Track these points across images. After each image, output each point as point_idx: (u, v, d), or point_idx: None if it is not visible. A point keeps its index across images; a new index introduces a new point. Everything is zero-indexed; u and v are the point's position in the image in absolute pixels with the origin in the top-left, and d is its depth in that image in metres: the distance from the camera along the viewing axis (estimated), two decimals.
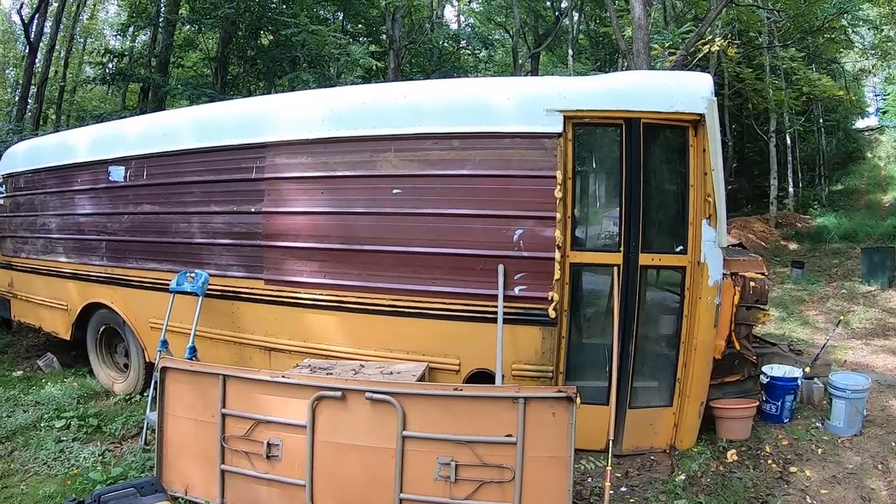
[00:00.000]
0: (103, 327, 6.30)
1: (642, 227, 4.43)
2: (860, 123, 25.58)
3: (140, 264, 5.73)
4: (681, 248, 4.54)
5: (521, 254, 4.35)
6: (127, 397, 5.96)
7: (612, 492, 3.71)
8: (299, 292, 4.84)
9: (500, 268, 4.34)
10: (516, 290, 4.36)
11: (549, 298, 4.33)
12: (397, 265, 4.54)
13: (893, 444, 4.84)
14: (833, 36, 13.60)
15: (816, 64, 17.43)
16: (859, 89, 24.82)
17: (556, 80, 4.89)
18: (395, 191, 4.54)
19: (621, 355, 4.28)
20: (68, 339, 6.56)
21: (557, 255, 4.31)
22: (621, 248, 4.44)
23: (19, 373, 6.79)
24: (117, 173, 5.84)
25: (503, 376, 4.41)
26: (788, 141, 20.00)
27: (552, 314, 4.34)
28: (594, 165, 4.87)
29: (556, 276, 4.32)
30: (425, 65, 19.09)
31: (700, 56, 11.96)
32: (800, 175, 21.21)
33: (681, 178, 4.54)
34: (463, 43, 19.70)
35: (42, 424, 5.19)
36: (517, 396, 3.23)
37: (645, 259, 4.46)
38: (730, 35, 12.19)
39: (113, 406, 5.78)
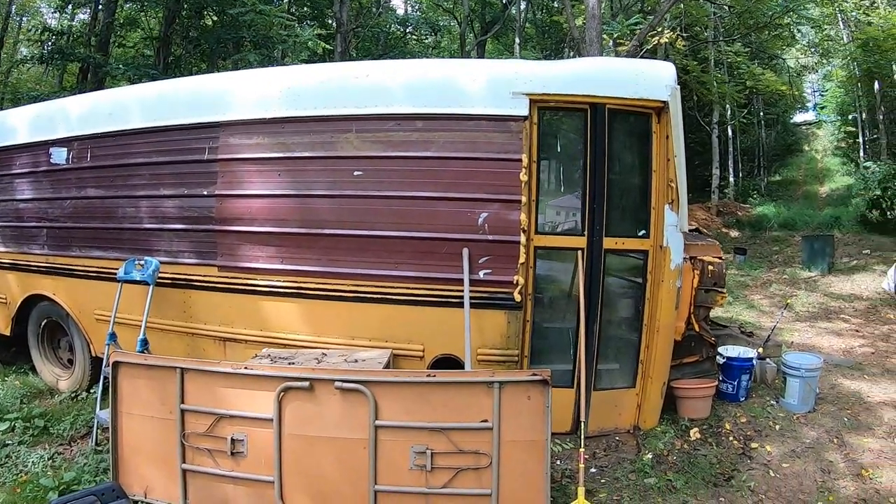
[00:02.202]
0: (45, 321, 5.94)
1: (606, 212, 4.45)
2: (798, 118, 26.65)
3: (84, 252, 5.39)
4: (643, 232, 4.61)
5: (486, 237, 4.30)
6: (73, 395, 5.62)
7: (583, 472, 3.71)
8: (255, 279, 4.65)
9: (465, 251, 4.28)
10: (481, 274, 4.31)
11: (515, 282, 4.31)
12: (359, 249, 4.42)
13: (846, 419, 5.08)
14: (778, 32, 14.07)
15: (759, 59, 18.03)
16: (800, 85, 25.92)
17: (522, 63, 4.84)
18: (356, 173, 4.40)
19: (587, 338, 4.30)
20: (7, 334, 6.16)
21: (523, 238, 4.29)
22: (585, 232, 4.47)
23: None
24: (59, 155, 5.48)
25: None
26: (730, 132, 20.67)
27: (517, 298, 4.31)
28: (559, 150, 4.86)
29: (522, 259, 4.30)
30: (372, 49, 18.83)
31: (648, 48, 12.16)
32: (740, 165, 21.95)
33: (644, 164, 4.61)
34: (411, 28, 19.46)
35: None
36: (492, 381, 3.18)
37: (608, 243, 4.49)
38: (678, 28, 12.41)
39: (59, 405, 5.45)
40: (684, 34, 12.41)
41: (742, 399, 5.38)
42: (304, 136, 4.49)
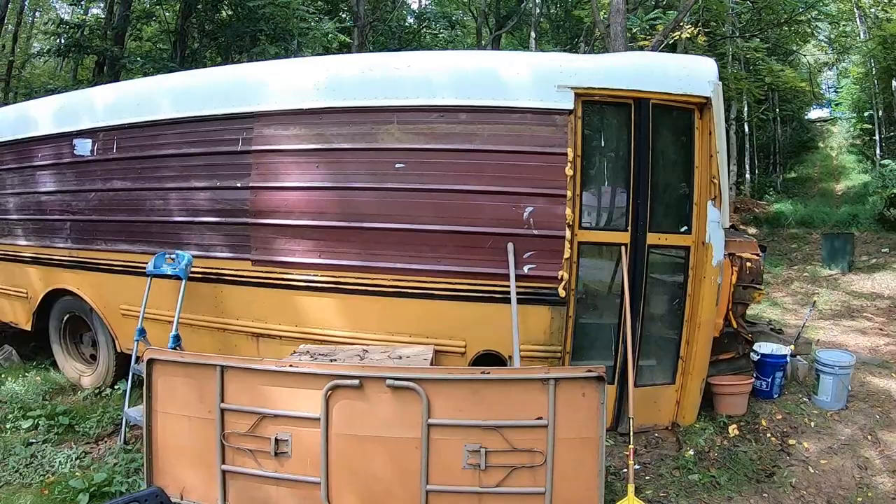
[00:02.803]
0: (67, 316, 5.84)
1: (649, 207, 4.40)
2: (812, 114, 26.43)
3: (110, 246, 5.28)
4: (685, 228, 4.56)
5: (532, 232, 4.21)
6: (97, 391, 5.52)
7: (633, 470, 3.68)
8: (292, 273, 4.55)
9: (510, 246, 4.19)
10: (525, 269, 4.22)
11: (559, 277, 4.23)
12: (400, 243, 4.32)
13: (878, 416, 5.06)
14: (797, 28, 13.93)
15: (776, 55, 17.84)
16: (818, 82, 25.79)
17: (566, 56, 4.75)
18: (398, 165, 4.31)
19: (634, 334, 4.23)
20: (29, 329, 6.07)
21: (568, 233, 4.21)
22: (629, 228, 4.41)
23: None
24: (83, 147, 5.37)
25: (510, 358, 4.30)
26: (746, 129, 20.52)
27: (562, 293, 4.24)
28: (602, 144, 4.76)
29: (566, 254, 4.22)
30: (388, 44, 18.68)
31: (668, 43, 12.04)
32: (756, 162, 21.78)
33: (686, 160, 4.56)
34: (428, 22, 19.33)
35: (7, 426, 4.73)
36: (548, 378, 3.08)
37: (652, 239, 4.45)
38: (698, 23, 12.28)
39: (82, 401, 5.35)
40: (705, 30, 12.23)
41: (776, 396, 5.34)
42: (343, 127, 4.39)
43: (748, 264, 5.28)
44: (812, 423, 4.91)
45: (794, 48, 18.84)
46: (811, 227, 16.50)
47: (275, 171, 4.58)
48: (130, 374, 4.70)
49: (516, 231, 4.21)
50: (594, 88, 4.26)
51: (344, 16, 15.62)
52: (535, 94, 4.22)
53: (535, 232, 4.21)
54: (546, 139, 4.20)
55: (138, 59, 11.17)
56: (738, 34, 15.00)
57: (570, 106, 4.20)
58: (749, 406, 5.09)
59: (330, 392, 3.18)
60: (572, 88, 4.21)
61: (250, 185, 4.62)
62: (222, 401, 3.37)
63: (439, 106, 4.26)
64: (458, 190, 4.24)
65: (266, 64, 5.23)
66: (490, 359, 4.33)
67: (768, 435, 4.71)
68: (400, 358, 3.82)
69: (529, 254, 4.22)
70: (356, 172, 4.40)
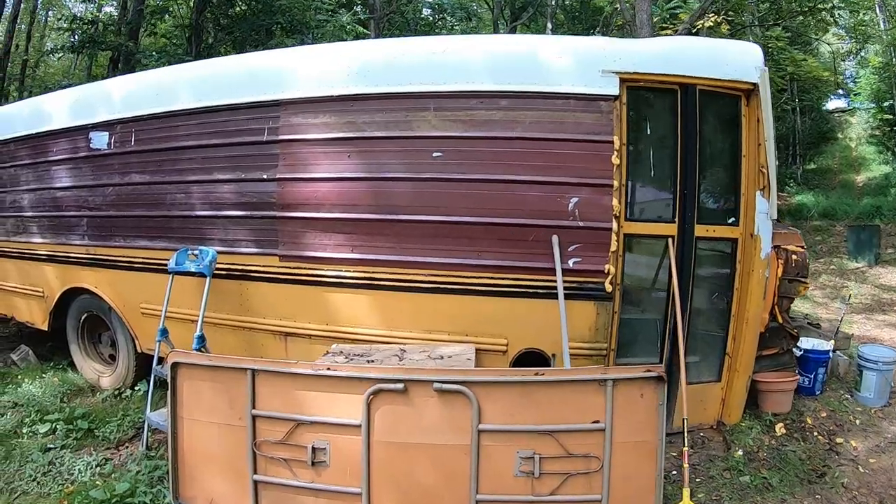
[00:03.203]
0: (85, 315, 5.66)
1: (697, 198, 4.21)
2: (830, 105, 26.04)
3: (129, 242, 5.09)
4: (732, 219, 4.38)
5: (577, 223, 3.99)
6: (116, 393, 5.34)
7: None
8: (322, 269, 4.34)
9: (555, 238, 3.97)
10: (570, 263, 4.01)
11: (605, 271, 4.01)
12: (437, 236, 4.10)
13: None
14: (821, 17, 13.62)
15: (796, 45, 17.48)
16: (840, 71, 25.39)
17: (609, 40, 4.53)
18: (435, 154, 4.08)
19: (678, 330, 4.02)
20: (45, 329, 5.90)
21: (615, 225, 3.99)
22: (676, 219, 4.22)
23: None
24: (100, 140, 5.18)
25: (553, 356, 4.10)
26: None
27: (608, 288, 4.02)
28: (648, 132, 4.54)
29: (613, 247, 4.01)
30: (404, 36, 18.44)
31: (692, 31, 11.81)
32: (776, 153, 21.39)
33: (733, 149, 4.37)
34: (445, 14, 19.10)
35: (24, 430, 4.54)
36: (605, 378, 2.88)
37: (700, 230, 4.25)
38: (722, 12, 12.01)
39: (101, 404, 5.18)
40: (728, 18, 11.96)
41: (818, 393, 5.23)
42: (375, 115, 4.16)
43: (794, 257, 5.12)
44: (857, 421, 4.82)
45: (815, 37, 18.45)
46: (834, 220, 16.20)
47: (303, 161, 4.36)
48: (152, 376, 4.52)
49: (561, 223, 4.00)
50: (639, 73, 4.04)
51: (359, 8, 15.43)
52: (578, 79, 3.99)
53: (581, 224, 3.99)
54: (591, 126, 3.98)
55: (153, 54, 11.01)
56: (760, 23, 14.69)
57: (616, 91, 3.98)
58: (793, 403, 4.95)
59: (372, 397, 2.97)
60: (617, 73, 3.99)
61: (277, 176, 4.41)
62: (253, 407, 3.16)
63: (478, 92, 4.03)
64: (499, 180, 4.02)
65: (292, 50, 5.03)
66: (532, 357, 4.13)
67: (815, 433, 4.60)
68: (441, 358, 3.61)
69: (574, 247, 4.01)
70: (390, 162, 4.17)
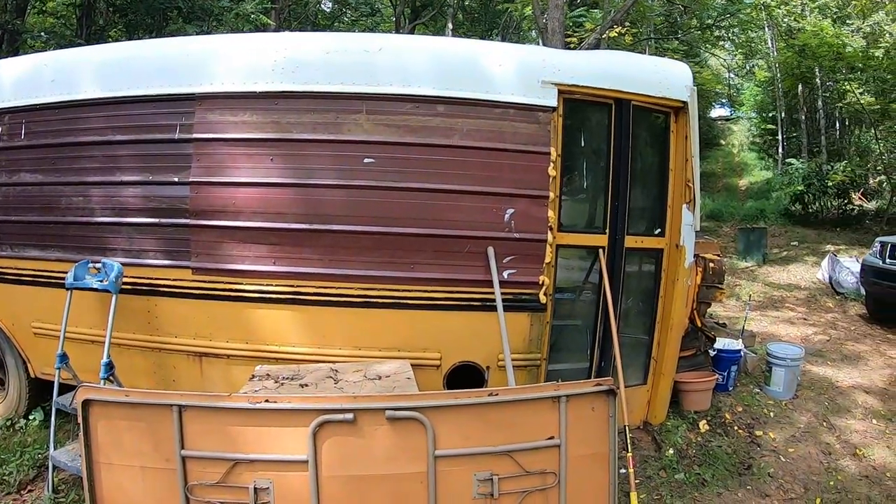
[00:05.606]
0: None
1: (627, 210, 4.30)
2: (714, 113, 28.09)
3: (16, 252, 4.39)
4: (659, 230, 4.53)
5: (513, 235, 3.92)
6: (8, 423, 4.60)
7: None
8: (241, 283, 3.97)
9: (490, 250, 3.88)
10: (505, 275, 3.93)
11: (540, 283, 3.98)
12: (370, 248, 3.87)
13: (826, 403, 5.51)
14: (718, 34, 14.59)
15: (688, 56, 18.61)
16: (727, 83, 27.39)
17: (548, 51, 4.49)
18: (367, 160, 3.84)
19: (609, 337, 4.12)
20: None
21: (550, 236, 3.95)
22: (607, 230, 4.29)
23: None
24: None
25: (488, 369, 4.02)
26: None
27: (542, 299, 4.00)
28: (582, 144, 4.57)
29: (548, 258, 3.98)
30: (304, 29, 17.78)
31: (591, 41, 12.17)
32: None
33: (662, 163, 4.52)
34: (349, 8, 18.61)
35: None
36: (559, 395, 2.82)
37: (630, 241, 4.35)
38: (626, 23, 12.52)
39: None
40: (632, 29, 12.50)
41: (731, 389, 5.62)
42: (304, 115, 3.86)
43: (711, 265, 5.50)
44: (771, 414, 5.21)
45: (708, 51, 19.74)
46: (721, 221, 17.40)
47: (220, 163, 3.96)
48: (53, 410, 3.93)
49: (497, 234, 3.91)
50: (578, 86, 4.05)
51: None
52: (517, 88, 3.92)
53: (516, 235, 3.93)
54: (529, 137, 3.92)
55: (41, 34, 9.83)
56: (655, 36, 15.50)
57: (554, 103, 3.95)
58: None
59: (318, 428, 2.73)
60: (556, 85, 3.97)
61: (190, 179, 3.98)
62: (182, 447, 2.80)
63: (415, 96, 3.84)
64: (435, 189, 3.86)
65: (212, 38, 4.56)
66: (466, 371, 4.02)
67: (735, 427, 4.90)
68: (379, 378, 3.41)
69: (509, 258, 3.93)
70: (318, 167, 3.88)
